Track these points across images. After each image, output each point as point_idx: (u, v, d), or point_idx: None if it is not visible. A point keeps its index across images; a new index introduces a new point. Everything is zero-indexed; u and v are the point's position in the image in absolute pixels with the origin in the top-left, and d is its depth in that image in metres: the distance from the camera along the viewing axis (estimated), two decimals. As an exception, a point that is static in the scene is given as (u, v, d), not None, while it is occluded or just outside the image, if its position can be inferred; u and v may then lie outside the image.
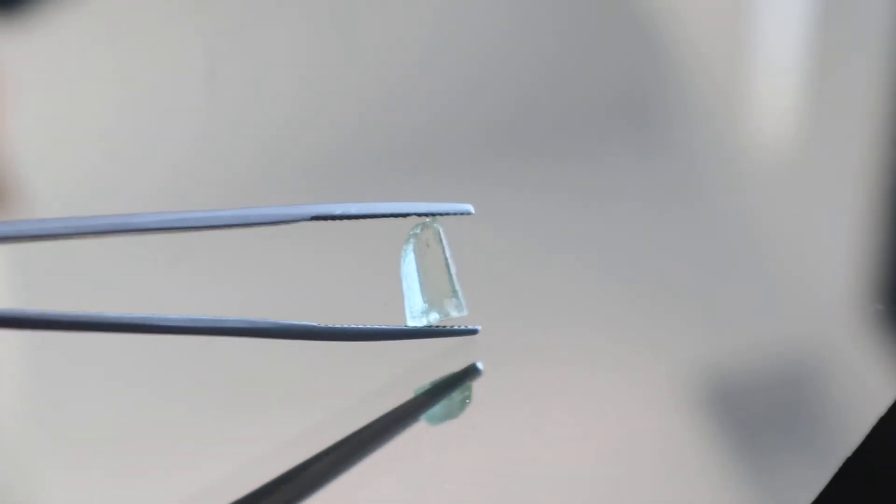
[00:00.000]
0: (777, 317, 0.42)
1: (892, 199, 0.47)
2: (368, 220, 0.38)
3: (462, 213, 0.39)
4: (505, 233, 0.45)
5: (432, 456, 0.37)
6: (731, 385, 0.39)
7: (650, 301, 0.43)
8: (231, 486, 0.36)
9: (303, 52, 0.55)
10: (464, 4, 0.57)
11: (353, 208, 0.38)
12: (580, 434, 0.38)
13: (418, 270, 0.39)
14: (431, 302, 0.39)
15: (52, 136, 0.52)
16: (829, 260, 0.45)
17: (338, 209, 0.37)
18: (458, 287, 0.39)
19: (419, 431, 0.38)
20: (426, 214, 0.39)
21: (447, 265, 0.39)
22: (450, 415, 0.38)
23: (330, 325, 0.37)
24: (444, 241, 0.39)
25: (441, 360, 0.39)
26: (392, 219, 0.38)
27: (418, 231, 0.39)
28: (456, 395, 0.39)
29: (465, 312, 0.39)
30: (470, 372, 0.39)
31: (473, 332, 0.39)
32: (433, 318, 0.39)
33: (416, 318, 0.38)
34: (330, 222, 0.37)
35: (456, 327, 0.39)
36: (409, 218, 0.39)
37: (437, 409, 0.38)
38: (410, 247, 0.39)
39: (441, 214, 0.39)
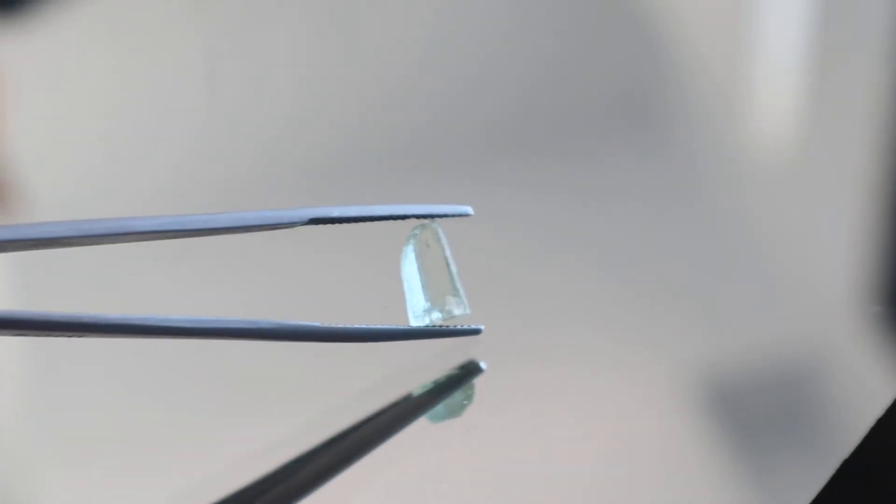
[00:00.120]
0: (777, 317, 0.42)
1: (892, 199, 0.47)
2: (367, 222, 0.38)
3: (461, 215, 0.39)
4: (505, 233, 0.45)
5: (434, 455, 0.37)
6: (731, 385, 0.39)
7: (650, 301, 0.43)
8: (231, 486, 0.36)
9: (302, 52, 0.55)
10: (464, 4, 0.57)
11: (352, 211, 0.37)
12: (580, 434, 0.38)
13: (419, 271, 0.39)
14: (433, 301, 0.39)
15: (52, 136, 0.52)
16: (829, 260, 0.45)
17: (336, 212, 0.37)
18: (459, 286, 0.39)
19: (420, 430, 0.38)
20: (425, 216, 0.39)
21: (447, 265, 0.39)
22: (451, 414, 0.38)
23: (333, 326, 0.37)
24: (444, 241, 0.39)
25: (442, 359, 0.39)
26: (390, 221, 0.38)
27: (418, 232, 0.39)
28: (457, 395, 0.39)
29: (468, 311, 0.39)
30: (472, 371, 0.39)
31: (476, 332, 0.39)
32: (436, 318, 0.39)
33: (418, 317, 0.38)
34: (328, 225, 0.37)
35: (459, 327, 0.39)
36: (407, 220, 0.39)
37: (438, 408, 0.38)
38: (410, 248, 0.39)
39: (440, 216, 0.39)
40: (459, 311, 0.39)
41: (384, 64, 0.54)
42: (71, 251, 0.34)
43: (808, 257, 0.45)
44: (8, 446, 0.39)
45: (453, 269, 0.39)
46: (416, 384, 0.39)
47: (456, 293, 0.39)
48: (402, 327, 0.38)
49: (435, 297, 0.38)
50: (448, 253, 0.39)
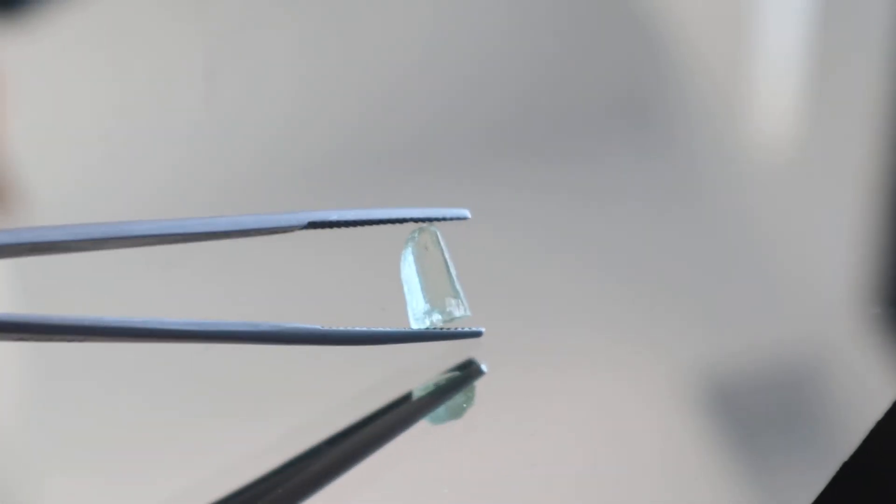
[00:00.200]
0: (777, 317, 0.42)
1: (892, 199, 0.47)
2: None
3: (459, 219, 0.39)
4: (505, 233, 0.45)
5: (435, 457, 0.37)
6: (730, 385, 0.39)
7: (650, 301, 0.43)
8: (230, 486, 0.36)
9: (302, 53, 0.55)
10: (464, 4, 0.57)
11: (350, 214, 0.37)
12: (581, 434, 0.38)
13: (418, 274, 0.39)
14: (433, 303, 0.39)
15: (52, 136, 0.52)
16: (829, 260, 0.45)
17: (334, 215, 0.37)
18: (459, 287, 0.39)
19: (421, 432, 0.38)
20: (423, 220, 0.39)
21: (447, 267, 0.39)
22: (452, 416, 0.38)
23: (334, 329, 0.37)
24: (443, 244, 0.39)
25: (443, 361, 0.39)
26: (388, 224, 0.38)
27: (416, 235, 0.39)
28: (458, 397, 0.39)
29: (468, 313, 0.39)
30: (473, 373, 0.39)
31: (477, 334, 0.39)
32: (436, 319, 0.39)
33: (419, 320, 0.38)
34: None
35: (460, 329, 0.39)
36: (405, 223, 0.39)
37: (439, 410, 0.38)
38: (409, 250, 0.39)
39: (438, 220, 0.39)
40: (459, 313, 0.39)
41: (383, 64, 0.54)
42: (69, 254, 0.34)
43: (808, 257, 0.45)
44: (8, 447, 0.39)
45: (452, 271, 0.39)
46: (417, 386, 0.39)
47: (456, 295, 0.39)
48: (403, 330, 0.38)
49: (435, 300, 0.38)
50: (447, 255, 0.39)
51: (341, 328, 0.37)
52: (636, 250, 0.45)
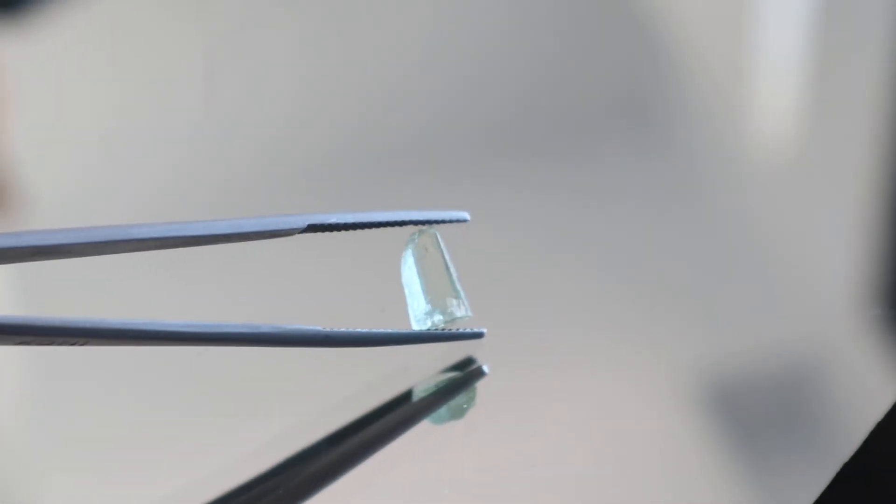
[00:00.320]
0: (777, 317, 0.42)
1: (892, 199, 0.47)
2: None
3: (458, 221, 0.39)
4: (505, 234, 0.45)
5: (436, 457, 0.37)
6: (731, 385, 0.39)
7: (650, 301, 0.43)
8: (230, 486, 0.36)
9: (302, 53, 0.55)
10: (464, 4, 0.57)
11: (349, 217, 0.37)
12: (581, 435, 0.38)
13: (419, 275, 0.39)
14: (435, 304, 0.39)
15: (52, 136, 0.52)
16: (830, 261, 0.45)
17: (333, 218, 0.37)
18: (459, 288, 0.39)
19: (423, 433, 0.38)
20: (422, 222, 0.39)
21: (447, 268, 0.39)
22: (453, 416, 0.38)
23: (335, 331, 0.37)
24: (443, 245, 0.39)
25: (444, 362, 0.39)
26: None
27: (416, 237, 0.39)
28: (459, 397, 0.39)
29: (469, 313, 0.39)
30: (474, 374, 0.39)
31: (479, 335, 0.39)
32: (438, 320, 0.39)
33: (420, 321, 0.38)
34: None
35: (462, 331, 0.39)
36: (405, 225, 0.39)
37: (441, 410, 0.38)
38: (409, 253, 0.39)
39: (437, 222, 0.39)
40: (461, 313, 0.39)
41: (383, 64, 0.54)
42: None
43: (808, 257, 0.45)
44: (8, 447, 0.39)
45: (453, 272, 0.39)
46: (419, 387, 0.39)
47: (457, 295, 0.39)
48: (404, 331, 0.38)
49: (436, 300, 0.38)
50: (447, 257, 0.39)
51: (343, 330, 0.37)
52: (636, 250, 0.45)
